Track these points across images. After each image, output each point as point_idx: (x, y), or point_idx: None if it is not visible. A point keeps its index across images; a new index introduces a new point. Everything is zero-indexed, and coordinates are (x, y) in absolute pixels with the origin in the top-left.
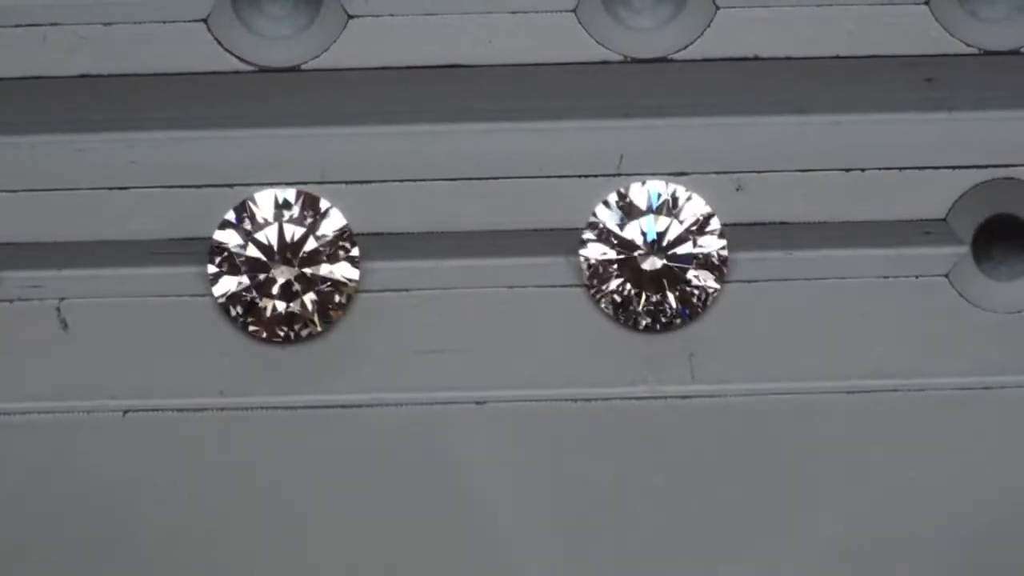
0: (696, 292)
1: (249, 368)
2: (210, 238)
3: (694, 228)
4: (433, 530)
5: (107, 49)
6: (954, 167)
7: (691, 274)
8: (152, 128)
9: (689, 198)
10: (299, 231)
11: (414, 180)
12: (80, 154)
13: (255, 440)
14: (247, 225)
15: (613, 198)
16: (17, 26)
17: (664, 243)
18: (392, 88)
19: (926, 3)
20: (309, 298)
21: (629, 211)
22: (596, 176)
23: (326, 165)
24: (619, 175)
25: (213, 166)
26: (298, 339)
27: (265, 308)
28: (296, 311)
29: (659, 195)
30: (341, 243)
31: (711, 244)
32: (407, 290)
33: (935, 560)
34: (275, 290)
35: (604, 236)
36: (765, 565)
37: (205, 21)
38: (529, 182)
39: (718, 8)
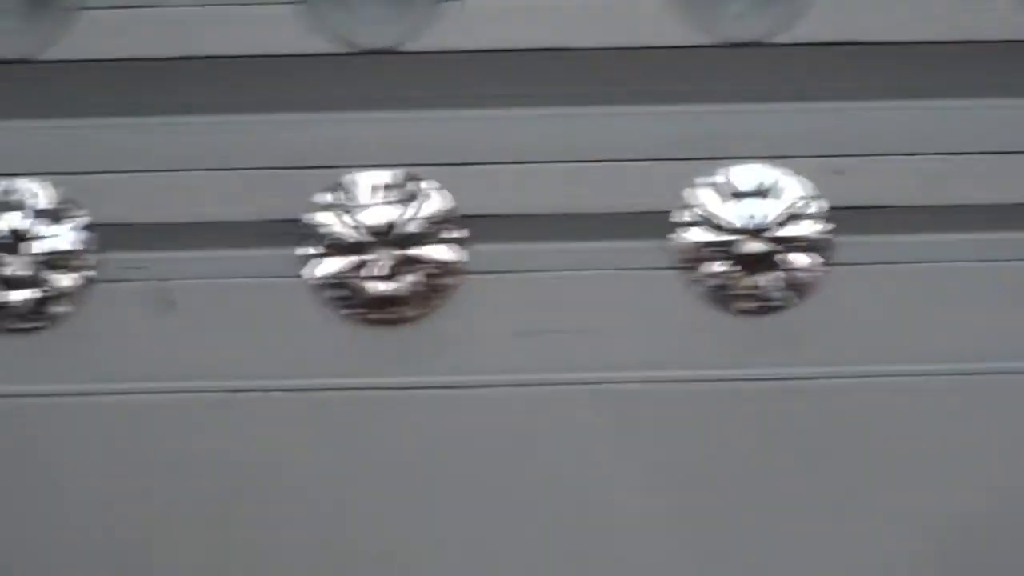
0: (796, 275)
1: (353, 349)
2: (311, 220)
3: (795, 211)
4: (539, 512)
5: (204, 31)
6: None
7: (792, 257)
8: (254, 110)
9: (789, 181)
10: (400, 213)
11: (518, 162)
12: (182, 136)
13: (360, 421)
14: (347, 207)
15: (713, 181)
16: (113, 8)
17: (764, 226)
18: (493, 70)
19: None
20: (413, 280)
21: (729, 194)
22: (696, 159)
23: (429, 147)
24: (719, 159)
25: (315, 148)
26: (402, 321)
27: (367, 289)
28: (400, 293)
29: (759, 178)
30: (442, 225)
31: (812, 227)
32: (511, 272)
33: None
34: (377, 271)
35: (705, 219)
36: (874, 546)
37: (305, 1)
38: (631, 165)
39: None
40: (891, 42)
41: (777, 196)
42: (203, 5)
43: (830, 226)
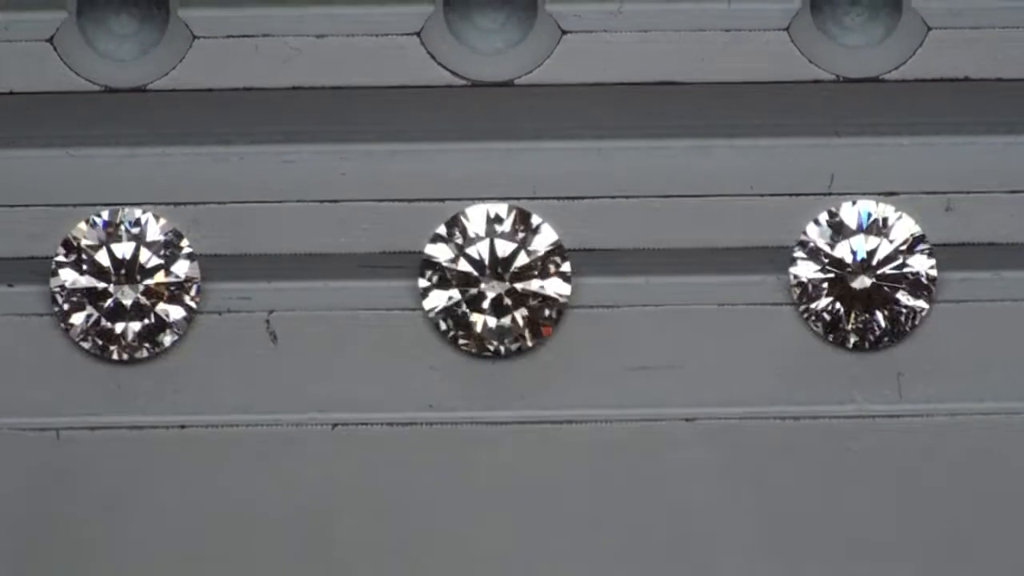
0: (905, 312)
1: (459, 383)
2: (421, 252)
3: (903, 248)
4: (640, 546)
5: (319, 61)
6: None
7: (900, 294)
8: (363, 141)
9: (899, 218)
10: (511, 246)
11: (625, 196)
12: (290, 166)
13: (464, 454)
14: (458, 239)
15: (823, 217)
16: (229, 37)
17: (873, 262)
18: (604, 104)
19: None
20: (520, 313)
21: (839, 230)
22: (807, 195)
23: (538, 180)
24: (830, 194)
25: (424, 180)
26: (508, 354)
27: (476, 323)
28: (506, 326)
29: (869, 214)
30: (552, 258)
31: (920, 264)
32: (617, 306)
33: None
34: (486, 305)
35: (814, 254)
36: None
37: (418, 35)
38: (740, 200)
39: (930, 29)
40: (1001, 79)
41: (887, 232)
42: (321, 36)
43: (938, 262)
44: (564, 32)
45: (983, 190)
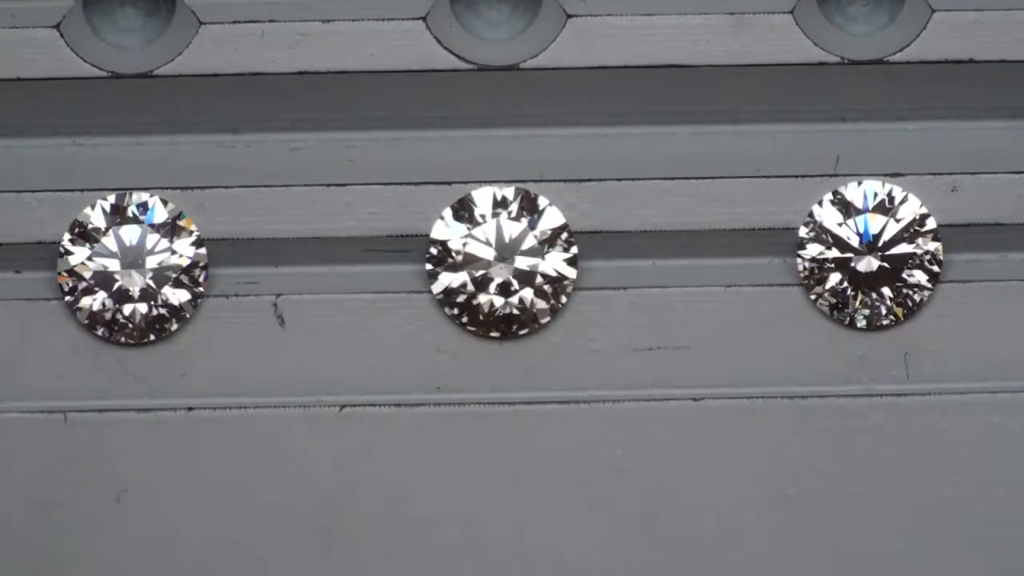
0: (911, 292)
1: (466, 364)
2: (428, 235)
3: (910, 228)
4: (647, 526)
5: (325, 46)
6: None
7: (906, 274)
8: (370, 126)
9: (905, 199)
10: (517, 228)
11: (632, 179)
12: (297, 152)
13: (471, 436)
14: (465, 222)
15: (829, 198)
16: (235, 22)
17: (880, 243)
18: (610, 88)
19: None
20: (527, 295)
21: (846, 211)
22: (813, 176)
23: (544, 163)
24: (836, 175)
25: (431, 164)
26: (515, 336)
27: (483, 305)
28: (513, 308)
29: (875, 195)
30: (559, 241)
31: (926, 245)
32: (624, 288)
33: None
34: (493, 287)
35: (821, 236)
36: (982, 561)
37: (424, 19)
38: (746, 182)
39: (934, 11)
40: (1005, 61)
41: (892, 213)
42: (327, 21)
43: (944, 243)
44: (569, 16)
45: (988, 171)
